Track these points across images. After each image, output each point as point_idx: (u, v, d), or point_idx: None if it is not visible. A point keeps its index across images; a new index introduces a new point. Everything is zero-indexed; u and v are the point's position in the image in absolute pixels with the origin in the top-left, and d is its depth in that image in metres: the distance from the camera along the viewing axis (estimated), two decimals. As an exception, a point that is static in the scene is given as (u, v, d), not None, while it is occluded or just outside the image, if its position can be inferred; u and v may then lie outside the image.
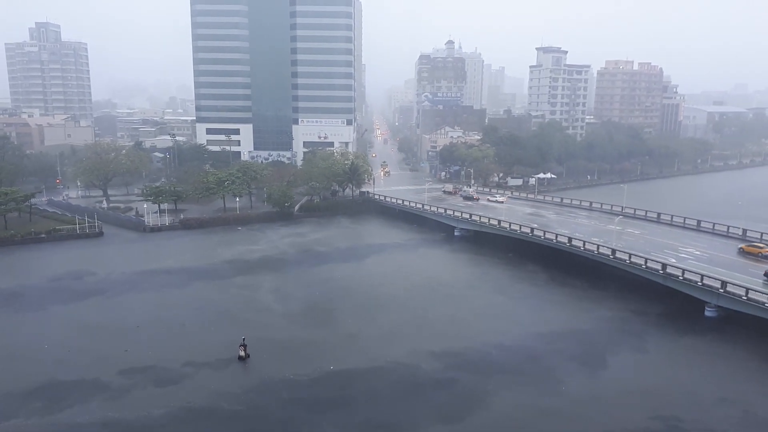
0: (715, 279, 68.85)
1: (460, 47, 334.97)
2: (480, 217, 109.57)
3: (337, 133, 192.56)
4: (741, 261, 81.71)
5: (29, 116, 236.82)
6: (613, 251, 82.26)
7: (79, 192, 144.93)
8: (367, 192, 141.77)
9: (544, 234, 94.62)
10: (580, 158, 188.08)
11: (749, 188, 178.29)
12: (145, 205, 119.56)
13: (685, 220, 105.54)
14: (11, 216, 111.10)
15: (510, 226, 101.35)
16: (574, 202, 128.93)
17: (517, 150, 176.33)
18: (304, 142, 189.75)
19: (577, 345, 62.08)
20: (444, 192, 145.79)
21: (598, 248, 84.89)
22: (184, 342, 62.61)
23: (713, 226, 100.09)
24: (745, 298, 64.65)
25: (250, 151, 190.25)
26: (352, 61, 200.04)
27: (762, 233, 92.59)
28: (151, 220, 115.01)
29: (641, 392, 52.26)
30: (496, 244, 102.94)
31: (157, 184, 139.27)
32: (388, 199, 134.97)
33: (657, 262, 76.64)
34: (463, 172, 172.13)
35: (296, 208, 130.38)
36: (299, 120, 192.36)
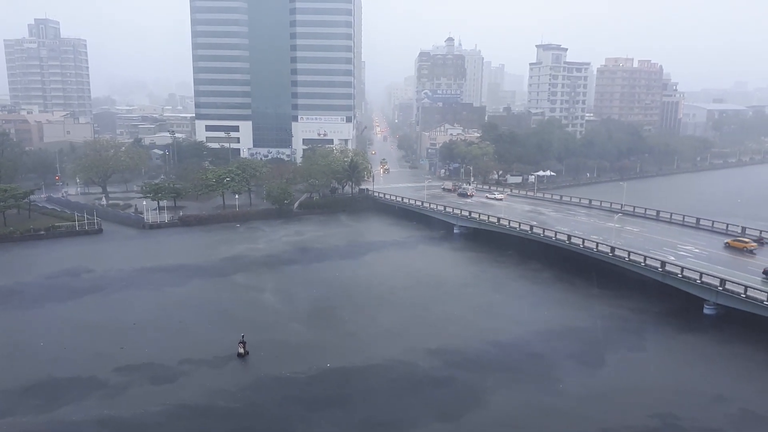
0: (714, 277, 68.88)
1: (460, 44, 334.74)
2: (479, 214, 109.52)
3: (337, 131, 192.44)
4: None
5: (28, 113, 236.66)
6: (612, 249, 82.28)
7: (78, 189, 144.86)
8: (367, 189, 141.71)
9: (543, 231, 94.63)
10: (580, 156, 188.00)
11: (749, 186, 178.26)
12: (144, 202, 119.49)
13: (684, 218, 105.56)
14: (10, 213, 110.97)
15: (509, 223, 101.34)
16: (573, 199, 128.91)
17: (516, 147, 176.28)
18: (303, 140, 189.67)
19: (575, 343, 62.11)
20: (443, 189, 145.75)
21: (597, 246, 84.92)
22: (182, 339, 62.56)
23: (712, 223, 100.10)
24: (743, 295, 64.67)
25: (249, 148, 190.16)
26: (352, 58, 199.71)
27: (761, 231, 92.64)
28: (150, 217, 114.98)
29: (639, 390, 52.31)
30: (496, 242, 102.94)
31: (157, 181, 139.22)
32: (387, 197, 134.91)
33: (656, 259, 76.65)
34: (462, 170, 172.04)
35: (295, 205, 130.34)
36: (299, 117, 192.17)
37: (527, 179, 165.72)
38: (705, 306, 69.74)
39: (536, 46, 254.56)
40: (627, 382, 53.94)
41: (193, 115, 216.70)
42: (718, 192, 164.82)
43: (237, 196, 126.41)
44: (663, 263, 75.16)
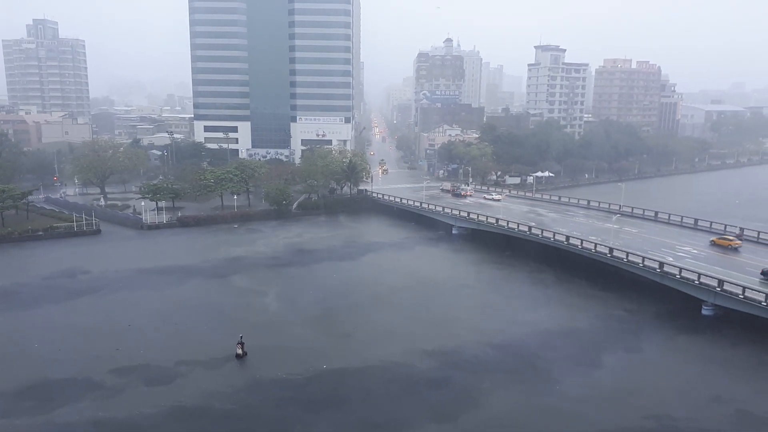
0: (712, 278, 68.95)
1: (459, 45, 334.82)
2: (478, 215, 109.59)
3: (336, 131, 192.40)
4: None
5: (27, 113, 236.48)
6: (611, 250, 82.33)
7: (77, 189, 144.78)
8: (365, 190, 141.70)
9: (542, 232, 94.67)
10: (578, 157, 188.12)
11: (747, 187, 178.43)
12: (142, 203, 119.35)
13: (682, 219, 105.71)
14: (8, 213, 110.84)
15: (508, 224, 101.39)
16: (571, 200, 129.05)
17: (515, 148, 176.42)
18: (302, 140, 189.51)
19: (573, 344, 62.12)
20: (442, 190, 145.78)
21: (595, 247, 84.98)
22: (178, 341, 62.39)
23: (710, 224, 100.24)
24: (741, 296, 64.76)
25: (248, 149, 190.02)
26: (351, 58, 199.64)
27: (759, 232, 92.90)
28: (148, 217, 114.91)
29: (636, 391, 52.33)
30: (494, 243, 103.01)
31: (155, 181, 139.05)
32: (386, 198, 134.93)
33: (654, 260, 76.72)
34: (461, 171, 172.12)
35: (294, 206, 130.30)
36: (297, 118, 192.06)
37: (526, 180, 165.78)
38: (703, 307, 69.79)
39: (535, 47, 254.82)
40: (624, 383, 53.94)
41: (192, 115, 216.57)
42: (716, 193, 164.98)
43: (235, 197, 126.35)
44: (661, 264, 75.23)
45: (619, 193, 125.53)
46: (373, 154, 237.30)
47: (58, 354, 58.58)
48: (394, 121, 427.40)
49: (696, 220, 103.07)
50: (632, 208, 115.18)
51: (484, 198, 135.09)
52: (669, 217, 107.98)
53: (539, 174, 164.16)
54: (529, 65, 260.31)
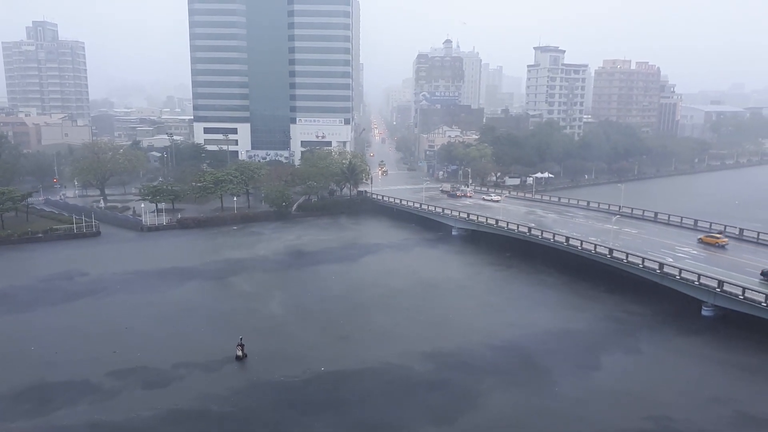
0: (712, 278, 68.93)
1: (458, 46, 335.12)
2: (477, 216, 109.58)
3: (335, 133, 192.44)
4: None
5: (26, 115, 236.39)
6: (611, 251, 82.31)
7: (76, 191, 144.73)
8: (365, 191, 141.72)
9: (542, 233, 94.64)
10: (578, 158, 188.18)
11: (746, 188, 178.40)
12: (142, 205, 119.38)
13: (682, 220, 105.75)
14: (8, 216, 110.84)
15: (507, 225, 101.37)
16: (571, 201, 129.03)
17: (514, 149, 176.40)
18: (301, 142, 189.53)
19: (572, 345, 62.08)
20: (442, 191, 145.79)
21: (595, 248, 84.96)
22: (176, 343, 62.20)
23: (710, 225, 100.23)
24: (741, 297, 64.74)
25: (247, 151, 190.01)
26: (350, 60, 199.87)
27: (759, 233, 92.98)
28: (148, 219, 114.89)
29: (635, 393, 52.27)
30: (494, 244, 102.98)
31: (155, 183, 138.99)
32: (385, 199, 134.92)
33: (654, 261, 76.71)
34: (460, 172, 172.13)
35: (294, 207, 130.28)
36: (297, 119, 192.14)
37: (525, 181, 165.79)
38: (703, 308, 69.78)
39: (534, 48, 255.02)
40: (623, 385, 53.87)
41: (192, 117, 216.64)
42: (715, 194, 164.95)
43: (235, 199, 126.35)
44: (661, 265, 75.20)
45: (618, 193, 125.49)
46: (373, 155, 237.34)
47: (55, 356, 58.37)
48: (394, 123, 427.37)
49: (696, 221, 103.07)
50: (632, 208, 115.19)
51: (483, 199, 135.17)
52: (668, 217, 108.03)
53: (539, 175, 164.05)
54: (528, 66, 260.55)
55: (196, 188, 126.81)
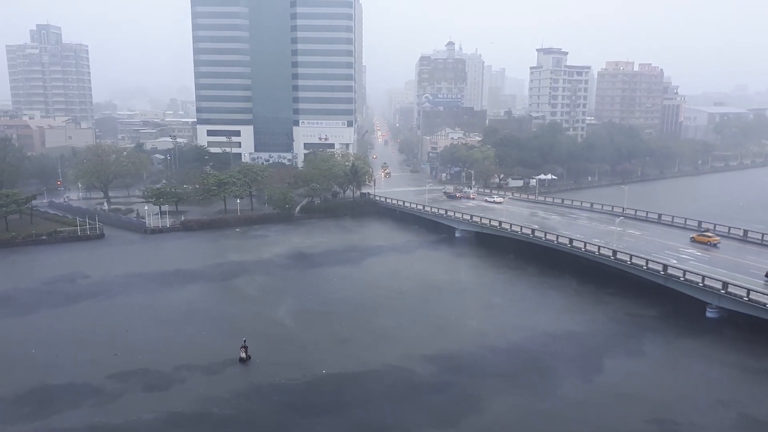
0: (717, 280, 68.68)
1: (461, 48, 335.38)
2: (481, 218, 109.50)
3: (338, 135, 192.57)
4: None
5: (30, 118, 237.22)
6: (614, 252, 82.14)
7: (80, 194, 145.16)
8: (368, 193, 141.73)
9: (545, 235, 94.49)
10: (581, 159, 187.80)
11: (750, 189, 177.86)
12: (146, 207, 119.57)
13: (686, 221, 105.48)
14: (12, 218, 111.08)
15: (511, 227, 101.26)
16: (574, 203, 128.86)
17: (517, 151, 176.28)
18: (304, 144, 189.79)
19: (575, 347, 61.87)
20: (444, 193, 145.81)
21: (599, 249, 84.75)
22: (178, 345, 62.06)
23: (714, 226, 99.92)
24: (746, 299, 64.49)
25: (250, 153, 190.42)
26: (353, 62, 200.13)
27: (762, 234, 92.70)
28: (151, 221, 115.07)
29: (638, 395, 52.03)
30: (497, 246, 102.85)
31: (158, 185, 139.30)
32: (388, 201, 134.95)
33: (658, 263, 76.50)
34: (463, 174, 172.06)
35: (297, 209, 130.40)
36: (300, 121, 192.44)
37: (528, 183, 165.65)
38: (707, 309, 69.52)
39: (537, 49, 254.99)
40: (626, 387, 53.61)
41: (195, 119, 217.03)
42: (719, 195, 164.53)
43: (239, 201, 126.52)
44: (665, 266, 74.98)
45: (622, 195, 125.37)
46: (376, 157, 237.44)
47: (56, 359, 58.26)
48: (397, 125, 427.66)
49: (700, 222, 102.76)
50: (635, 210, 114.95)
51: (486, 201, 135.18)
52: (672, 219, 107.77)
53: (542, 177, 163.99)
54: (531, 68, 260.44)
55: (200, 190, 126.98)
